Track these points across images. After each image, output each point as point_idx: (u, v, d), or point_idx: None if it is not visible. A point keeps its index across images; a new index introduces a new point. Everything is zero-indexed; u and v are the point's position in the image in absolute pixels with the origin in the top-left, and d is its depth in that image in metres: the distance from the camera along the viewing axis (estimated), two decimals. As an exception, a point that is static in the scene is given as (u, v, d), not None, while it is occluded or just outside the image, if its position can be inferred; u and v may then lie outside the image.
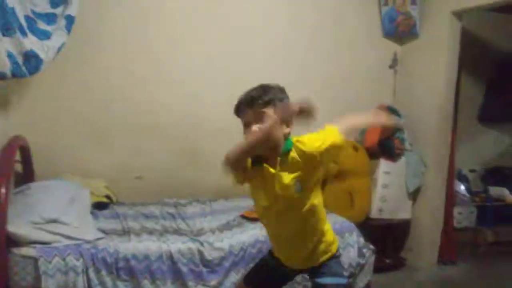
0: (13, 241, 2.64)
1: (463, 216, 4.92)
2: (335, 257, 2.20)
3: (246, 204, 3.69)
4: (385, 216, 4.42)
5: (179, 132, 4.07)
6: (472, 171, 5.47)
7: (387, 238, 4.51)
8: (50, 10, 3.16)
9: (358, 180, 4.28)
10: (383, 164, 4.39)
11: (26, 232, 2.68)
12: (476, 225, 5.01)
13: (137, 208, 3.58)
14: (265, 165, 1.99)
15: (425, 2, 4.53)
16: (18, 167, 3.47)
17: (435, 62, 4.45)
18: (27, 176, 3.48)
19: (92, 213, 3.30)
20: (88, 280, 2.72)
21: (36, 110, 3.65)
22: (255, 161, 2.02)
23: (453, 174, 4.71)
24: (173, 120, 4.04)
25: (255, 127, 1.94)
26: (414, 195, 4.57)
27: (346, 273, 2.76)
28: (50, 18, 3.16)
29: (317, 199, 2.07)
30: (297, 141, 1.98)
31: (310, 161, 1.94)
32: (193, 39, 4.06)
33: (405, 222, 4.61)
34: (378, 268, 3.83)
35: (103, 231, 3.02)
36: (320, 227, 2.14)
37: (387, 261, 4.40)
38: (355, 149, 4.33)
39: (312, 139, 1.96)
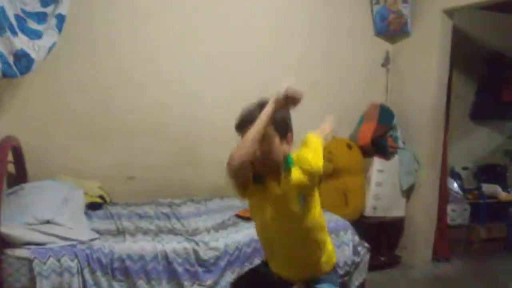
0: (7, 243, 2.61)
1: (457, 214, 4.93)
2: (334, 269, 2.21)
3: (241, 203, 3.68)
4: (379, 214, 4.44)
5: (174, 131, 4.05)
6: (464, 168, 5.50)
7: (381, 236, 4.52)
8: (40, 9, 3.14)
9: (352, 178, 4.29)
10: (377, 162, 4.40)
11: (20, 233, 2.65)
12: (469, 222, 5.03)
13: (131, 208, 3.56)
14: (267, 182, 1.97)
15: (416, 1, 4.55)
16: (11, 168, 3.43)
17: (426, 60, 4.47)
18: (20, 176, 3.45)
19: (85, 213, 3.28)
20: (83, 281, 2.69)
21: (28, 110, 3.62)
22: (257, 178, 1.99)
23: (446, 172, 4.74)
24: (168, 120, 4.03)
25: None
26: (407, 193, 4.59)
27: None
28: (40, 17, 3.14)
29: (317, 208, 2.05)
30: (298, 160, 1.94)
31: (313, 177, 1.92)
32: (192, 39, 4.06)
33: (399, 220, 4.63)
34: (373, 266, 3.83)
35: (98, 232, 3.00)
36: (321, 237, 2.11)
37: (382, 259, 4.41)
38: (349, 147, 4.34)
39: (310, 155, 1.95)
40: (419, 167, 4.51)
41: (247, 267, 3.01)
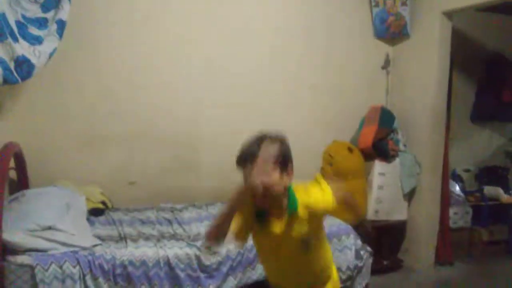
0: (9, 249, 2.61)
1: (459, 216, 4.91)
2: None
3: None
4: (381, 217, 4.42)
5: (175, 136, 4.04)
6: (466, 170, 5.47)
7: (383, 240, 4.50)
8: (41, 14, 3.15)
9: (354, 182, 4.27)
10: (378, 166, 4.39)
11: (22, 240, 2.65)
12: (472, 225, 5.01)
13: (133, 214, 3.56)
14: (270, 220, 1.90)
15: (416, 3, 4.54)
16: (13, 174, 3.42)
17: (426, 62, 4.46)
18: (21, 183, 3.44)
19: (88, 219, 3.27)
20: (86, 287, 2.69)
21: (30, 116, 3.62)
22: (259, 215, 1.92)
23: (448, 174, 4.71)
24: (168, 124, 4.02)
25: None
26: (409, 196, 4.57)
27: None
28: (41, 23, 3.14)
29: (321, 233, 2.02)
30: (305, 201, 1.86)
31: (320, 217, 1.91)
32: (192, 41, 4.05)
33: (401, 223, 4.60)
34: (376, 270, 3.81)
35: (100, 238, 3.00)
36: (325, 255, 2.07)
37: (384, 262, 4.38)
38: (350, 150, 4.33)
39: (317, 193, 1.86)
40: (421, 171, 4.49)
41: (249, 272, 3.01)
